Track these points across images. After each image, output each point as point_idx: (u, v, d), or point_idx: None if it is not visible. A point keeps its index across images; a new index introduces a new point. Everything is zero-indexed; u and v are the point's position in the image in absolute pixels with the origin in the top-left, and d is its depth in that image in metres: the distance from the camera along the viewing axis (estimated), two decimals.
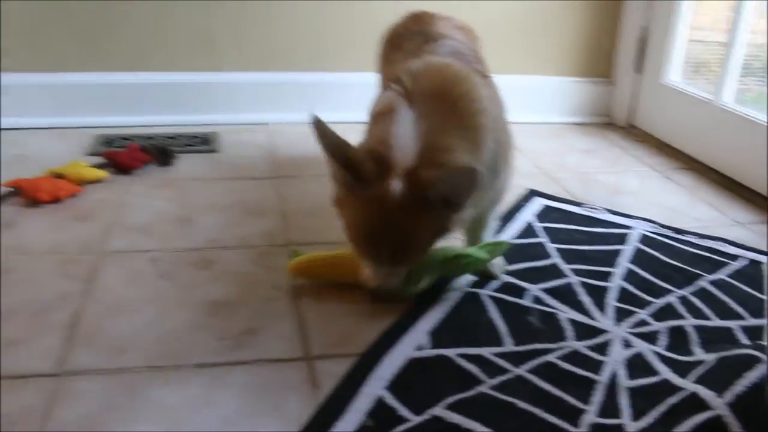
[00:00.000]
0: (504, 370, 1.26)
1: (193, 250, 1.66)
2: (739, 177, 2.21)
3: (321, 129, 1.27)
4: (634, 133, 2.77)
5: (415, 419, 1.12)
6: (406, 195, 1.26)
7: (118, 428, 1.09)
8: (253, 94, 2.61)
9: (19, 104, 2.45)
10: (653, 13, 2.68)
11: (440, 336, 1.35)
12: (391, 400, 1.16)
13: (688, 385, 1.20)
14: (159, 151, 2.15)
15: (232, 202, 1.92)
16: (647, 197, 2.12)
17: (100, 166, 2.05)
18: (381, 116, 1.37)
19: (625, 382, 1.26)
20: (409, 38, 1.71)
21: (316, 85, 2.65)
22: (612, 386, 1.24)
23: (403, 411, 1.14)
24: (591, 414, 1.17)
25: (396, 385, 1.20)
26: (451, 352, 1.30)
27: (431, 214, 1.29)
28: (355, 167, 1.28)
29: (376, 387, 1.19)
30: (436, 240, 1.36)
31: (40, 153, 2.23)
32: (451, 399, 1.16)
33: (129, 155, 2.08)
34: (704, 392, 1.14)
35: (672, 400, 1.17)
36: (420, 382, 1.21)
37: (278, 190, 2.02)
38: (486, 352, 1.31)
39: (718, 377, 1.19)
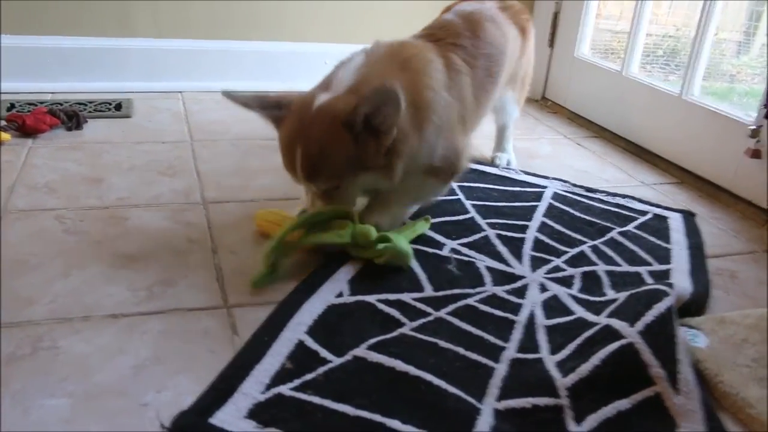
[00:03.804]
0: (424, 313, 1.22)
1: (102, 208, 1.54)
2: (645, 143, 2.25)
3: (232, 97, 1.36)
4: (547, 105, 2.79)
5: (337, 360, 1.06)
6: (324, 112, 1.28)
7: (23, 378, 0.99)
8: (169, 62, 2.48)
9: None
10: None
11: (360, 284, 1.30)
12: (312, 344, 1.10)
13: (601, 320, 1.20)
14: (68, 115, 2.01)
15: (144, 163, 1.81)
16: (560, 161, 2.13)
17: (2, 129, 1.89)
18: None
19: (542, 321, 1.24)
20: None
21: (231, 54, 2.55)
22: (530, 325, 1.22)
23: (324, 353, 1.08)
24: (511, 350, 1.14)
25: (317, 330, 1.14)
26: (371, 298, 1.25)
27: (349, 135, 1.27)
28: (275, 104, 1.36)
29: (296, 332, 1.13)
30: (353, 165, 1.31)
31: None
32: (372, 341, 1.11)
33: (35, 118, 1.94)
34: (617, 324, 1.14)
35: (587, 333, 1.16)
36: (341, 327, 1.16)
37: (193, 152, 1.92)
38: (406, 297, 1.27)
39: (629, 310, 1.18)
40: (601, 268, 1.46)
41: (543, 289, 1.36)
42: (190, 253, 1.37)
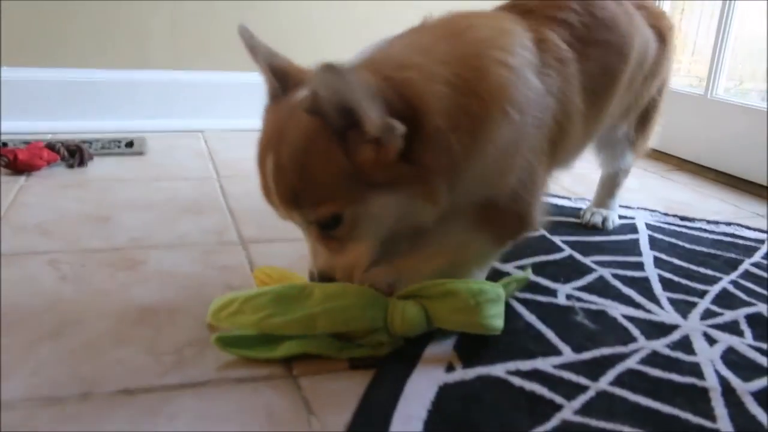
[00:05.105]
0: (580, 387, 0.80)
1: (110, 250, 1.13)
2: (743, 173, 1.85)
3: (247, 34, 0.90)
4: None
5: None
6: (303, 106, 0.81)
7: None
8: (187, 97, 2.08)
9: None
10: None
11: (471, 349, 0.87)
12: None
13: None
14: (69, 151, 1.62)
15: (162, 201, 1.40)
16: (653, 194, 1.73)
17: None
18: None
19: (741, 385, 0.83)
20: None
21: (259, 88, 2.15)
22: (729, 393, 0.81)
23: None
24: None
25: (439, 426, 0.71)
26: (498, 371, 0.83)
27: (335, 138, 0.79)
28: (279, 71, 0.89)
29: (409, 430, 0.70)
30: (353, 182, 0.80)
31: None
32: None
33: (30, 153, 1.54)
34: None
35: None
36: (471, 417, 0.73)
37: (221, 189, 1.52)
38: (544, 365, 0.85)
39: None
40: (763, 308, 1.07)
41: (710, 340, 0.95)
42: None
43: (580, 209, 1.52)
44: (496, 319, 0.87)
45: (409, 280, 0.88)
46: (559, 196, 1.64)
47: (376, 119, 0.76)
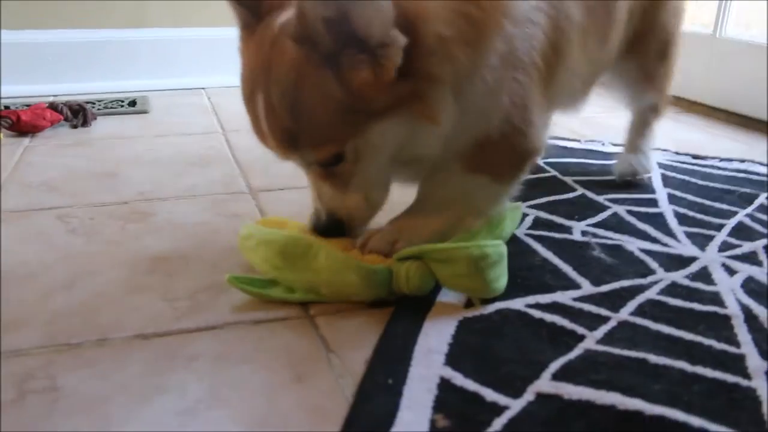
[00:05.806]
0: (601, 318, 0.79)
1: (118, 203, 1.11)
2: (754, 113, 1.79)
3: None
4: None
5: (515, 403, 0.63)
6: (286, 33, 0.74)
7: None
8: (188, 55, 2.04)
9: None
10: None
11: None
12: (463, 381, 0.66)
13: None
14: (72, 111, 1.59)
15: (169, 155, 1.38)
16: (662, 135, 1.67)
17: None
18: None
19: (763, 312, 0.81)
20: None
21: None
22: (751, 320, 0.79)
23: (490, 393, 0.64)
24: (754, 359, 0.71)
25: (459, 359, 0.70)
26: (517, 304, 0.81)
27: (324, 65, 0.72)
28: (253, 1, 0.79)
29: (430, 366, 0.69)
30: (352, 114, 0.74)
31: None
32: (552, 366, 0.68)
33: (32, 113, 1.51)
34: None
35: None
36: (494, 350, 0.72)
37: (227, 142, 1.50)
38: (563, 298, 0.83)
39: None
40: None
41: (730, 270, 0.93)
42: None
43: (590, 151, 1.49)
44: (498, 282, 0.82)
45: (411, 241, 0.84)
46: (568, 139, 1.61)
47: (380, 29, 0.69)
